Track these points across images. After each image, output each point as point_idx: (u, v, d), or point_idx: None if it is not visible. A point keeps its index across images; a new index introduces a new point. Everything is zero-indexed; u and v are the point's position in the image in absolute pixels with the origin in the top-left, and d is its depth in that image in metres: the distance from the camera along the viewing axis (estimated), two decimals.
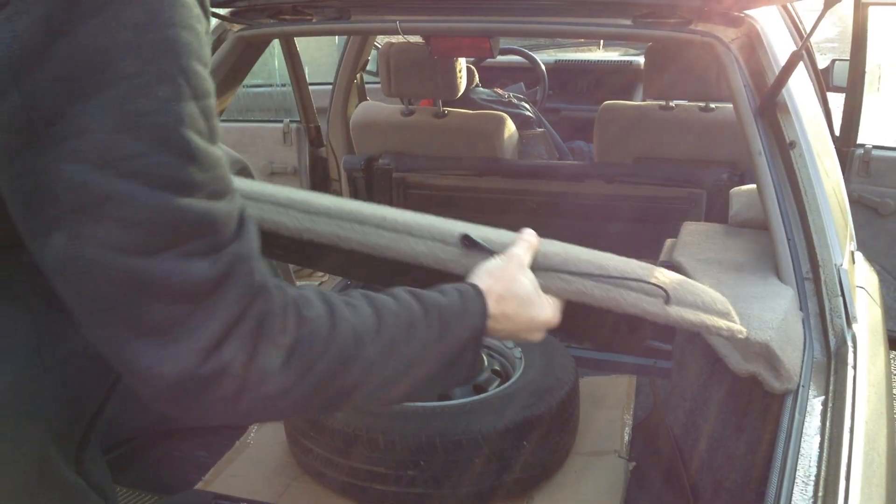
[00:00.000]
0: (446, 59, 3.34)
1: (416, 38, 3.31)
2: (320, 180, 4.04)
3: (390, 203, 3.68)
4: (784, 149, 1.88)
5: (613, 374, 2.58)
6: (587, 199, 3.45)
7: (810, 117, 1.97)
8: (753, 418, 1.78)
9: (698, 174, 3.26)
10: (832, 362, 1.58)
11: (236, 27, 2.50)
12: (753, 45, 2.04)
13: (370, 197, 3.76)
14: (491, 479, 1.95)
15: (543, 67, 4.64)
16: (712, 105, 3.27)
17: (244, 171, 2.73)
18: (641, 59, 5.08)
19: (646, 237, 3.39)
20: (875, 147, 3.14)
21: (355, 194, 3.77)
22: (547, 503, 2.01)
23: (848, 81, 3.13)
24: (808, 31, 1.83)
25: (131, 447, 2.25)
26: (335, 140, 3.90)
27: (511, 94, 4.08)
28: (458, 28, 2.28)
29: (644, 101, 4.68)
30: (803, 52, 1.76)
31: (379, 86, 3.59)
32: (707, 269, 1.81)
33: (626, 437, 2.25)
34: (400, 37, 3.46)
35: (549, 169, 3.60)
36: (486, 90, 4.05)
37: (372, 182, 3.72)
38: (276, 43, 4.13)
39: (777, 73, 1.97)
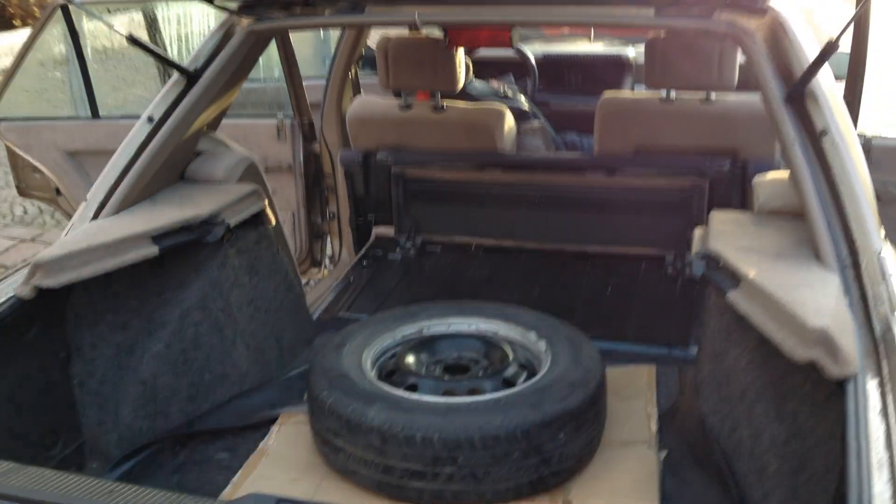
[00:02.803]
0: (446, 52, 3.32)
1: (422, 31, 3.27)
2: (313, 176, 3.99)
3: (388, 197, 3.65)
4: (815, 137, 1.89)
5: (631, 365, 2.58)
6: (589, 190, 3.46)
7: (837, 106, 1.98)
8: (795, 405, 1.79)
9: (701, 164, 3.28)
10: (880, 347, 1.59)
11: (245, 21, 2.44)
12: (777, 34, 2.05)
13: (367, 192, 3.73)
14: (529, 474, 1.94)
15: (533, 60, 4.64)
16: (712, 95, 3.29)
17: (251, 169, 2.68)
18: (629, 51, 5.11)
19: (648, 227, 3.41)
20: (875, 137, 3.18)
21: (352, 189, 3.73)
22: (584, 495, 2.00)
23: (848, 70, 3.16)
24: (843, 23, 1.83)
25: (152, 452, 2.20)
26: (329, 135, 3.85)
27: (506, 87, 4.07)
28: (480, 19, 2.26)
29: (634, 90, 4.72)
30: (838, 43, 1.76)
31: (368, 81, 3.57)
32: (748, 258, 1.81)
33: (654, 427, 2.25)
34: (405, 30, 3.44)
35: (550, 162, 3.60)
36: (482, 83, 4.04)
37: (369, 177, 3.69)
38: None
39: (802, 62, 1.99)
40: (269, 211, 2.60)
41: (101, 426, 2.15)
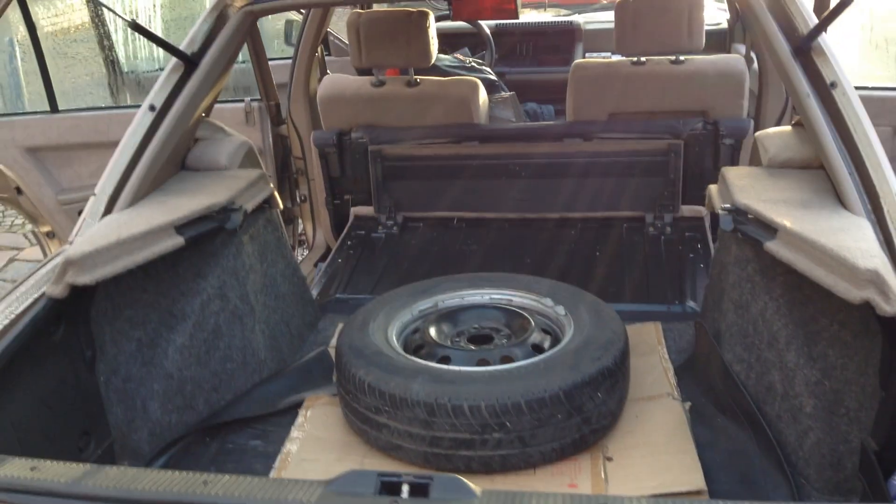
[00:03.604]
0: (419, 26, 3.31)
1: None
2: (282, 159, 3.94)
3: (366, 176, 3.63)
4: (826, 89, 1.98)
5: (637, 323, 2.65)
6: (567, 157, 3.51)
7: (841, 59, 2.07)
8: (824, 347, 1.89)
9: (675, 125, 3.37)
10: None
11: (238, 2, 2.39)
12: None
13: (343, 172, 3.70)
14: (572, 433, 1.99)
15: (488, 31, 4.66)
16: (682, 57, 3.38)
17: (251, 153, 2.63)
18: (579, 19, 5.18)
19: (627, 190, 3.49)
20: None
21: (327, 170, 3.70)
22: (623, 450, 2.06)
23: None
24: None
25: (183, 446, 2.17)
26: (297, 116, 3.80)
27: (472, 60, 4.08)
28: None
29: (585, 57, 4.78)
30: None
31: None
32: (777, 209, 1.89)
33: (673, 379, 2.33)
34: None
35: (528, 131, 3.64)
36: (448, 56, 4.04)
37: (345, 156, 3.66)
38: None
39: (805, 16, 2.06)
40: (276, 195, 2.57)
41: (130, 424, 2.10)
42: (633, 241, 3.41)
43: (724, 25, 4.85)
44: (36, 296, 1.87)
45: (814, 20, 2.05)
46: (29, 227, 4.00)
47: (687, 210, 3.47)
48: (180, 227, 2.10)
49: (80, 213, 3.49)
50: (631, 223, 3.50)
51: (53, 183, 3.67)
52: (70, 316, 1.92)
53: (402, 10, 3.33)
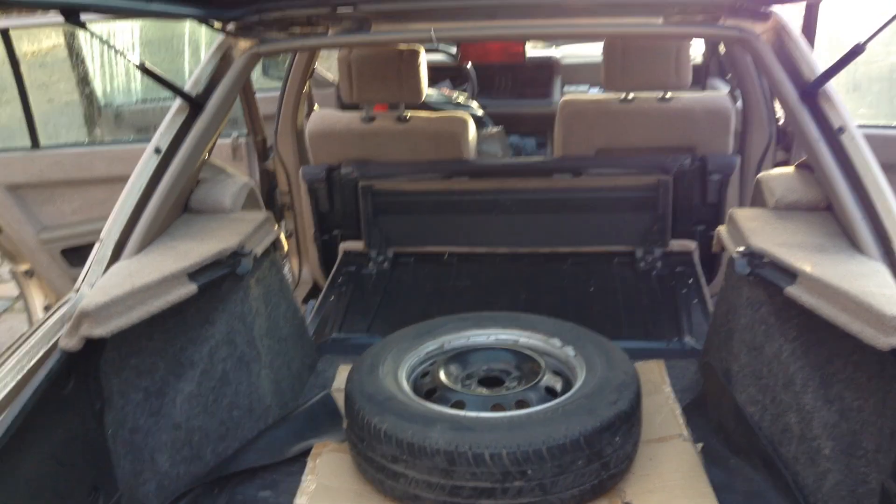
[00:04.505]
0: (410, 63, 3.31)
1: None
2: (269, 194, 3.90)
3: (355, 211, 3.61)
4: (832, 134, 2.02)
5: (640, 361, 2.66)
6: (558, 192, 3.54)
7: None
8: (840, 389, 1.91)
9: (663, 161, 3.41)
10: None
11: (242, 43, 2.37)
12: (782, 38, 2.18)
13: (332, 207, 3.67)
14: (591, 479, 1.98)
15: (470, 65, 4.69)
16: (668, 94, 3.43)
17: (252, 195, 2.60)
18: (556, 53, 5.25)
19: (617, 225, 3.53)
20: None
21: (316, 205, 3.67)
22: (640, 495, 2.06)
23: None
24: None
25: (193, 497, 2.11)
26: (284, 151, 3.77)
27: (458, 95, 4.10)
28: (493, 34, 2.28)
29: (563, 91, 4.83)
30: (864, 46, 1.89)
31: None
32: (794, 253, 1.91)
33: (682, 420, 2.33)
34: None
35: (518, 167, 3.66)
36: (434, 91, 4.05)
37: (334, 191, 3.63)
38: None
39: (810, 63, 2.11)
40: (282, 237, 2.53)
41: (138, 477, 2.03)
42: (624, 275, 3.43)
43: (700, 60, 4.95)
44: (47, 348, 1.81)
45: (818, 67, 2.10)
46: (6, 266, 3.88)
47: (676, 244, 3.51)
48: (193, 275, 2.06)
49: (62, 251, 3.43)
50: (621, 258, 3.53)
51: (34, 221, 3.58)
52: (80, 369, 1.87)
53: (393, 48, 3.34)
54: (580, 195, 3.51)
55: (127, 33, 4.41)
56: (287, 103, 3.70)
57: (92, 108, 4.36)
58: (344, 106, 4.11)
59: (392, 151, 3.55)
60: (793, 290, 1.87)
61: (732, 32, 2.16)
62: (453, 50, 4.42)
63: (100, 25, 4.22)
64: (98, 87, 4.38)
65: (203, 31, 4.42)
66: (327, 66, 5.14)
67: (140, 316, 1.88)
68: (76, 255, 3.68)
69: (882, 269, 1.79)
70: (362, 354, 2.36)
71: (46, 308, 3.80)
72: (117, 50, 2.12)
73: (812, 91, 2.06)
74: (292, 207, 3.86)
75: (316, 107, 3.86)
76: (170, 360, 2.14)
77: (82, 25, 1.87)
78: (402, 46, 3.32)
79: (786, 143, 3.45)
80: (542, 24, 2.24)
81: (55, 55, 4.31)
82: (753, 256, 2.06)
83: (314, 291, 3.81)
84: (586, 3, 2.23)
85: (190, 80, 2.35)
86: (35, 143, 3.54)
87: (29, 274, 3.71)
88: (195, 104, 2.30)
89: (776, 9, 2.20)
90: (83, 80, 4.28)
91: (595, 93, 4.96)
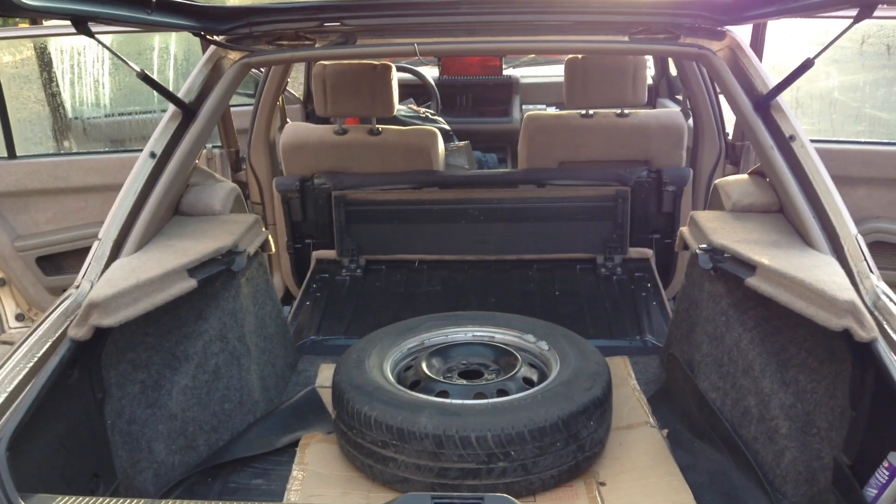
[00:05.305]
0: (383, 78, 3.46)
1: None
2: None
3: (328, 221, 3.72)
4: (785, 142, 2.22)
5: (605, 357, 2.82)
6: (523, 202, 3.70)
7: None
8: (794, 373, 2.09)
9: (623, 174, 3.61)
10: (874, 314, 1.90)
11: (232, 54, 2.48)
12: (737, 54, 2.38)
13: (305, 216, 3.78)
14: (568, 460, 2.12)
15: (434, 83, 4.85)
16: (626, 111, 3.64)
17: (239, 199, 2.71)
18: (515, 73, 5.45)
19: (579, 233, 3.71)
20: None
21: (289, 214, 3.77)
22: (612, 476, 2.21)
23: None
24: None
25: (189, 485, 2.19)
26: (257, 162, 3.87)
27: (425, 110, 4.25)
28: (472, 48, 2.44)
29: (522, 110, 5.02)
30: (814, 60, 2.09)
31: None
32: (752, 248, 2.10)
33: (648, 408, 2.50)
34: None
35: (486, 178, 3.82)
36: (403, 106, 4.19)
37: (307, 202, 3.74)
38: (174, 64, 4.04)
39: (763, 76, 2.32)
40: (270, 239, 2.64)
41: (135, 465, 2.11)
42: (587, 280, 3.61)
43: (650, 81, 5.20)
44: (54, 338, 1.89)
45: (770, 81, 2.31)
46: None
47: (634, 252, 3.70)
48: (192, 270, 2.16)
49: (36, 259, 3.46)
50: (583, 264, 3.71)
51: (9, 229, 3.61)
52: (84, 359, 1.95)
53: (366, 63, 3.48)
54: (544, 205, 3.68)
55: (97, 47, 4.45)
56: (261, 117, 3.81)
57: (61, 120, 4.39)
58: (310, 120, 4.22)
59: (364, 163, 3.68)
60: (753, 281, 2.05)
61: (692, 49, 2.36)
62: (420, 70, 4.58)
63: (70, 40, 4.29)
64: (67, 99, 4.42)
65: (173, 46, 4.49)
66: (290, 85, 5.24)
67: (146, 308, 1.98)
68: (50, 263, 3.71)
69: (832, 262, 1.99)
70: (347, 350, 2.48)
71: (18, 317, 3.81)
72: (122, 58, 2.19)
73: (765, 103, 2.26)
74: (264, 217, 3.95)
75: (288, 120, 3.97)
76: (165, 355, 2.23)
77: (91, 35, 1.98)
78: (375, 62, 3.47)
79: (734, 157, 3.68)
80: (517, 40, 2.41)
81: (26, 67, 4.33)
82: (715, 252, 2.24)
83: (287, 299, 3.90)
84: (559, 22, 2.40)
85: (182, 88, 2.46)
86: (12, 153, 3.58)
87: (1, 282, 3.73)
88: (188, 111, 2.40)
89: (731, 28, 2.41)
90: (52, 93, 4.31)
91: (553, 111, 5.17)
